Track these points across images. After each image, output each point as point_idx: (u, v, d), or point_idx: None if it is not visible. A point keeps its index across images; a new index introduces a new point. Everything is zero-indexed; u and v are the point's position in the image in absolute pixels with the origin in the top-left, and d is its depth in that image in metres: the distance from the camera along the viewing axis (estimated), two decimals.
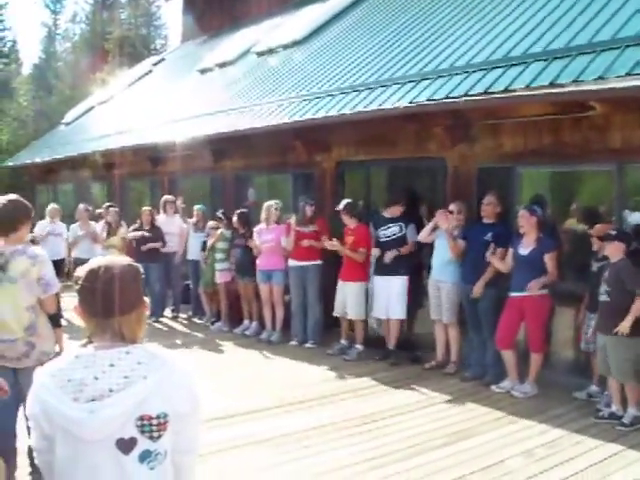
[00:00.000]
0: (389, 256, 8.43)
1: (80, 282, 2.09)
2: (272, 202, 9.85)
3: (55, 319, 4.75)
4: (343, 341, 9.01)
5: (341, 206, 8.92)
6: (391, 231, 8.52)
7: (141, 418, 1.98)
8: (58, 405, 1.94)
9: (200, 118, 12.79)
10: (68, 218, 13.08)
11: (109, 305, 2.04)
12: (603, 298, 6.25)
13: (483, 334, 7.65)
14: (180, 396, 2.06)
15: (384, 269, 8.53)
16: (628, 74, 6.29)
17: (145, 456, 2.00)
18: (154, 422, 1.99)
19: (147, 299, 2.22)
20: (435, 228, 8.09)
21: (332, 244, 8.87)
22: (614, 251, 6.24)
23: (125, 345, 2.06)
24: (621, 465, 5.26)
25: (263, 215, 9.81)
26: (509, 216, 7.75)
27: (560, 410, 6.60)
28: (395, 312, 8.51)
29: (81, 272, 2.11)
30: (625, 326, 6.01)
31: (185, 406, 2.07)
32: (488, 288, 7.55)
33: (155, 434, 2.00)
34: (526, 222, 7.16)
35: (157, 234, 11.31)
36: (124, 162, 15.41)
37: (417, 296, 8.61)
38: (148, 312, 2.26)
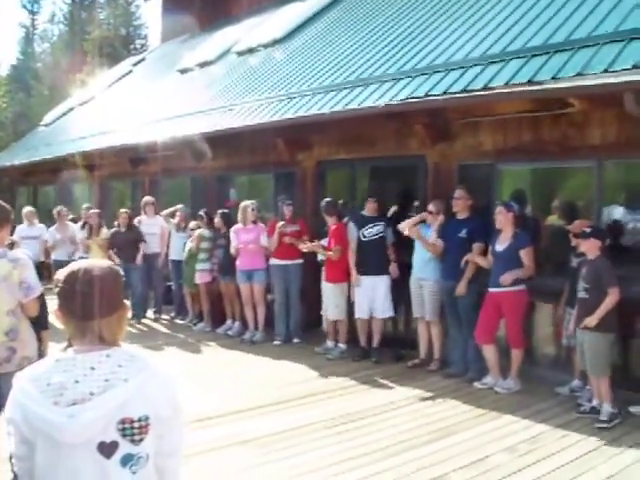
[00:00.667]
0: (394, 272, 8.46)
1: (59, 285, 2.07)
2: (249, 202, 9.83)
3: (42, 321, 4.70)
4: (329, 342, 9.00)
5: (322, 206, 8.96)
6: (377, 229, 8.53)
7: (122, 421, 1.97)
8: (38, 409, 1.92)
9: (181, 118, 12.75)
10: (49, 220, 13.00)
11: (89, 307, 2.03)
12: (582, 295, 6.28)
13: (464, 330, 7.68)
14: (161, 399, 2.05)
15: (367, 269, 8.55)
16: (605, 71, 6.35)
17: (127, 460, 1.98)
18: (135, 425, 1.98)
19: (127, 301, 2.20)
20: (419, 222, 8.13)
21: (308, 246, 8.90)
22: (590, 248, 6.28)
23: (106, 348, 2.04)
24: (603, 459, 5.29)
25: (240, 216, 9.80)
26: (489, 212, 7.77)
27: (543, 405, 6.65)
28: (383, 311, 8.52)
29: (61, 275, 2.09)
30: (591, 321, 6.08)
31: (167, 409, 2.06)
32: (468, 284, 7.59)
33: (137, 437, 1.98)
34: (503, 218, 7.19)
35: (136, 235, 11.28)
36: (105, 163, 15.30)
37: (401, 294, 8.61)
38: (130, 314, 2.25)
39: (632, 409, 6.26)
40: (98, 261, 2.19)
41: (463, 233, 7.61)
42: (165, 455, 2.11)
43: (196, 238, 10.53)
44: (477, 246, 7.54)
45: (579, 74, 6.56)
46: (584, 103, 6.89)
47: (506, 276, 6.99)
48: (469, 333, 7.53)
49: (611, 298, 6.06)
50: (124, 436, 1.97)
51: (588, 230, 6.36)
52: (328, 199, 9.01)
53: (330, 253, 8.69)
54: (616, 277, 6.13)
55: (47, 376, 1.96)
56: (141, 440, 1.99)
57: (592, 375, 6.28)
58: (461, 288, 7.58)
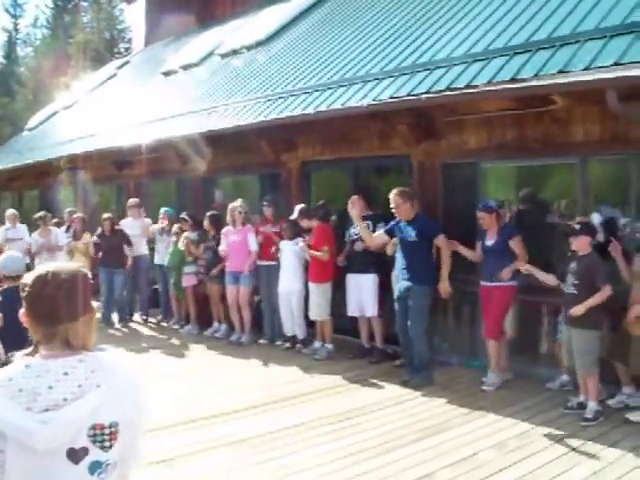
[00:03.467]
0: (358, 245, 8.43)
1: (27, 288, 2.04)
2: (237, 204, 9.79)
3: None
4: (316, 342, 8.96)
5: (296, 214, 8.93)
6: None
7: (93, 427, 1.95)
8: (8, 415, 1.88)
9: (165, 120, 12.70)
10: (34, 225, 12.93)
11: (56, 312, 2.00)
12: (570, 290, 6.25)
13: (412, 332, 7.55)
14: (131, 404, 2.04)
15: (354, 267, 8.57)
16: (587, 68, 6.37)
17: (95, 467, 1.96)
18: (106, 432, 1.96)
19: (97, 304, 2.17)
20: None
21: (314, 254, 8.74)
22: (581, 245, 6.26)
23: (76, 353, 2.01)
24: (590, 454, 5.32)
25: (228, 217, 9.79)
26: (473, 210, 7.75)
27: (531, 402, 6.67)
28: (368, 310, 8.51)
29: (27, 279, 2.06)
30: (578, 310, 6.07)
31: (135, 414, 2.05)
32: (421, 285, 7.50)
33: (107, 444, 1.97)
34: (486, 220, 7.32)
35: (120, 239, 11.23)
36: (89, 166, 15.24)
37: (388, 293, 8.55)
38: (98, 316, 2.22)
39: (630, 416, 6.08)
40: (65, 264, 2.16)
41: (413, 237, 7.56)
42: (123, 460, 2.08)
43: (185, 243, 10.45)
44: (440, 239, 7.51)
45: (561, 71, 6.57)
46: (567, 100, 6.91)
47: (504, 272, 7.03)
48: (416, 336, 7.49)
49: (602, 294, 6.04)
50: (94, 442, 1.95)
51: (578, 227, 6.36)
52: (301, 206, 9.03)
53: (319, 254, 8.66)
54: (607, 274, 6.12)
55: (18, 382, 1.92)
56: (110, 447, 1.98)
57: (580, 371, 6.27)
58: (444, 289, 7.52)
